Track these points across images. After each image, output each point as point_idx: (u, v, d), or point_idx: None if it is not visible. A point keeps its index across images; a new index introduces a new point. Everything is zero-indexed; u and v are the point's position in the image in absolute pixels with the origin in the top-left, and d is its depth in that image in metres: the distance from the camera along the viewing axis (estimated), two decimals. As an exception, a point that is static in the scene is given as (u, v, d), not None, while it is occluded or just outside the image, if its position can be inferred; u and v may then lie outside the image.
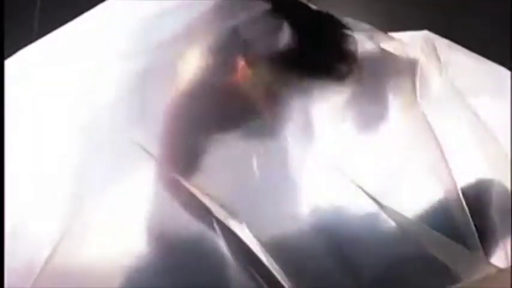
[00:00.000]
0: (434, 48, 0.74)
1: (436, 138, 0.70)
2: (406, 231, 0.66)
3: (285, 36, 0.68)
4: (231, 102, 0.68)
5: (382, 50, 0.73)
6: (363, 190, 0.67)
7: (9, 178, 0.63)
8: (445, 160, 0.69)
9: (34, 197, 0.64)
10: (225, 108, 0.67)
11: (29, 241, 0.63)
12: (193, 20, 0.68)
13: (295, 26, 0.68)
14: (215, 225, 0.63)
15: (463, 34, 0.77)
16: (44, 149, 0.65)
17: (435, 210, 0.69)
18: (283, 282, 0.62)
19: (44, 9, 0.94)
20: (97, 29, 0.70)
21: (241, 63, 0.68)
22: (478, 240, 0.66)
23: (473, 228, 0.67)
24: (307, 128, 0.68)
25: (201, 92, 0.67)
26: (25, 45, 0.70)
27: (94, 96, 0.67)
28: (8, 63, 0.68)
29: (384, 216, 0.66)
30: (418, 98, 0.71)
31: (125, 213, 0.65)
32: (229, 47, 0.68)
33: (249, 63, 0.68)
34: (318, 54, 0.69)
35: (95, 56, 0.68)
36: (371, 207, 0.67)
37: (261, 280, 0.62)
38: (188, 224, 0.64)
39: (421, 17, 0.77)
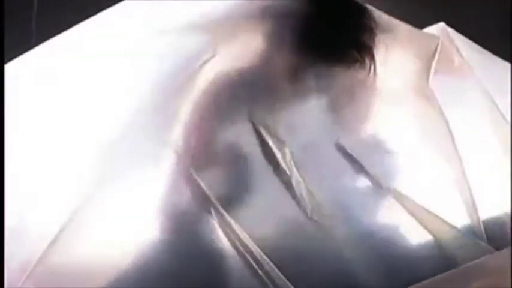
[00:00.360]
0: (453, 40, 0.73)
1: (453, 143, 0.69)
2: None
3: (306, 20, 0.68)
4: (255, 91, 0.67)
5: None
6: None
7: (13, 174, 0.62)
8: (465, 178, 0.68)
9: (35, 192, 0.63)
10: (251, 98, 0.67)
11: (27, 237, 0.62)
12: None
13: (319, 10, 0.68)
14: (214, 216, 0.63)
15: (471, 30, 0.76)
16: (49, 145, 0.65)
17: None
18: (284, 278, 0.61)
19: (40, 11, 0.93)
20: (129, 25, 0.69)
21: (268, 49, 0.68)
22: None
23: None
24: (325, 124, 0.68)
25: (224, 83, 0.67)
26: (25, 45, 0.69)
27: (110, 92, 0.66)
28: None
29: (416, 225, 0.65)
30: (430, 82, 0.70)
31: (125, 211, 0.64)
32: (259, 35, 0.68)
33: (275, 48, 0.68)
34: (330, 37, 0.69)
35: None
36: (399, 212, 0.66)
37: (264, 276, 0.61)
38: (191, 216, 0.64)
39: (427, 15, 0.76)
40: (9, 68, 0.66)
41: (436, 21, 0.76)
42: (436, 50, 0.72)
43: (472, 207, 0.67)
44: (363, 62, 0.69)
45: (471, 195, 0.67)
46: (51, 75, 0.67)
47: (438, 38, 0.73)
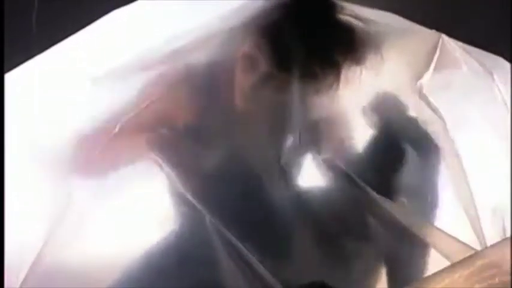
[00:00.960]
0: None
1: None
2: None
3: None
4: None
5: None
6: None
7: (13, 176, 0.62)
8: None
9: (29, 194, 0.64)
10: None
11: (20, 238, 0.63)
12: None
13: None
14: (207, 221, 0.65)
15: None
16: (50, 147, 0.65)
17: None
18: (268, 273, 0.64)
19: (41, 12, 0.93)
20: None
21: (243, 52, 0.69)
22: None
23: None
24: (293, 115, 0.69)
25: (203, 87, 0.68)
26: (25, 44, 0.69)
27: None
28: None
29: None
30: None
31: (120, 213, 0.66)
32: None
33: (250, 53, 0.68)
34: (298, 51, 0.69)
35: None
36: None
37: (250, 274, 0.64)
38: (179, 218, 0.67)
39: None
40: (10, 72, 0.67)
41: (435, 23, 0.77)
42: (436, 46, 0.73)
43: None
44: (324, 79, 0.69)
45: None
46: (50, 80, 0.67)
47: (439, 34, 0.73)
